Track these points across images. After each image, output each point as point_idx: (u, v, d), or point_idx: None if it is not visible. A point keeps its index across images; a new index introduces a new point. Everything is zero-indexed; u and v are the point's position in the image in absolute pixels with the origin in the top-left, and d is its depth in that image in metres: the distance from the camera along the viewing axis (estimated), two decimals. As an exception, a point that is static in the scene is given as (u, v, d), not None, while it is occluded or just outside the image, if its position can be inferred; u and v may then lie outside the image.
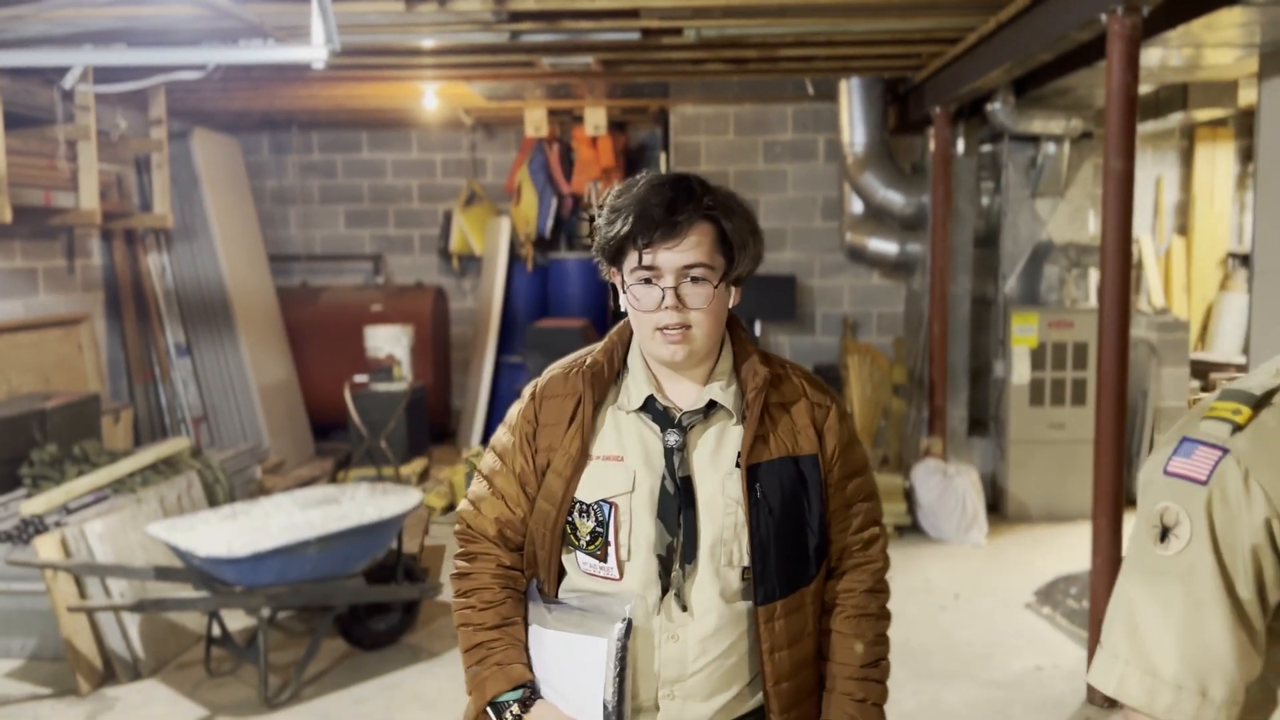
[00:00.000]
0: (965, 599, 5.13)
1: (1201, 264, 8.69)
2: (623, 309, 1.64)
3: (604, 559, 1.61)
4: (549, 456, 1.65)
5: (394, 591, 4.38)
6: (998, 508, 6.56)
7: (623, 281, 1.61)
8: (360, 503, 4.49)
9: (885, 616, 1.72)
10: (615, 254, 1.59)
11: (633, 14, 4.89)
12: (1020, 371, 6.43)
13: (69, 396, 5.47)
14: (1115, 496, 3.92)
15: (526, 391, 1.72)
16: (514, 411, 1.72)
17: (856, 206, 7.32)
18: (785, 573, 1.61)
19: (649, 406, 1.63)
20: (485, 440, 7.74)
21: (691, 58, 6.06)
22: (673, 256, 1.55)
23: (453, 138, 8.92)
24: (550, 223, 8.31)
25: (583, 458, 1.62)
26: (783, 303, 7.50)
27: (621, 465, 1.62)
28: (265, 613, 3.95)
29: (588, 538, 1.61)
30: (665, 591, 1.59)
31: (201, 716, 3.92)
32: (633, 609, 1.58)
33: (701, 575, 1.60)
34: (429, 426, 7.83)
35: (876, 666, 1.69)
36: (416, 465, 7.01)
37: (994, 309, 6.85)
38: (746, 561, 1.60)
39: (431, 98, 7.20)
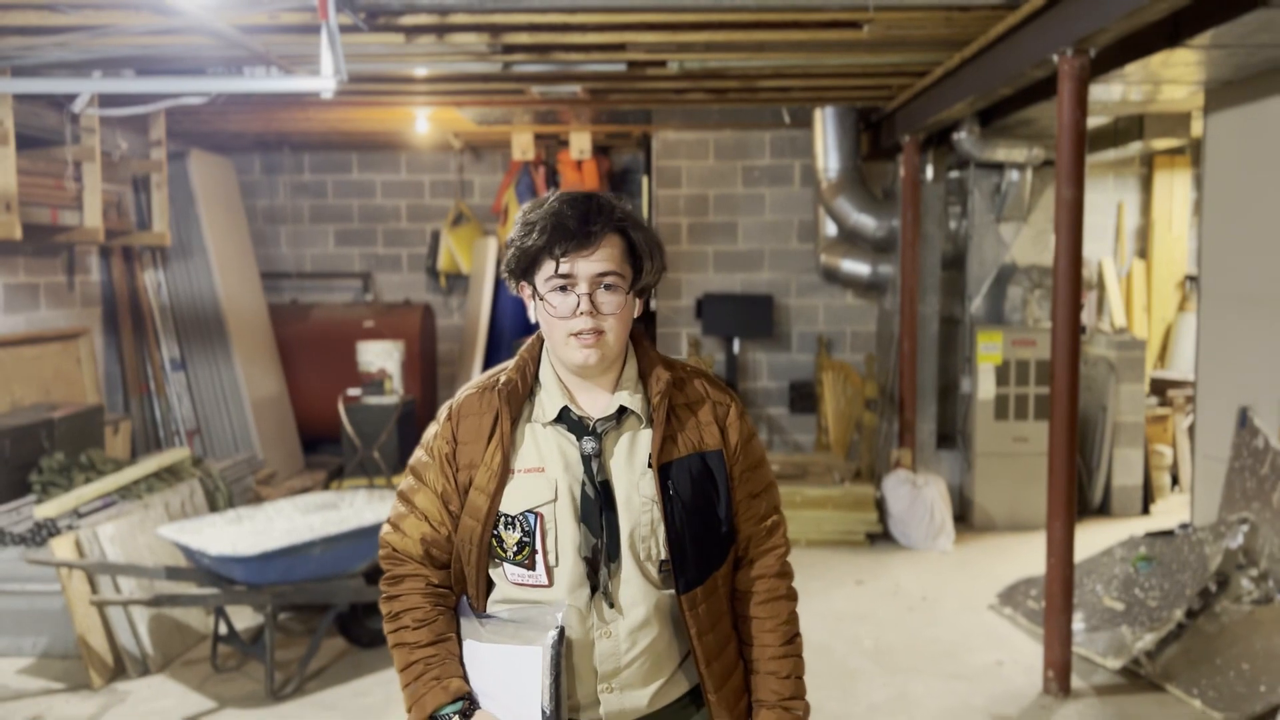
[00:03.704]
0: (932, 601, 5.42)
1: (1161, 286, 9.07)
2: (533, 320, 1.73)
3: (532, 567, 1.67)
4: (470, 474, 1.70)
5: (391, 592, 4.61)
6: (965, 517, 6.86)
7: (534, 293, 1.69)
8: (358, 508, 4.74)
9: (793, 597, 1.82)
10: (530, 265, 1.68)
11: (620, 47, 5.18)
12: (985, 387, 6.75)
13: (74, 407, 5.67)
14: (1068, 502, 4.22)
15: (442, 412, 1.78)
16: (431, 433, 1.78)
17: (831, 229, 7.63)
18: (700, 562, 1.70)
19: (564, 417, 1.70)
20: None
21: (674, 87, 6.36)
22: (587, 265, 1.64)
23: (441, 160, 9.19)
24: (536, 243, 8.58)
25: (505, 472, 1.68)
26: (760, 321, 7.80)
27: (543, 476, 1.68)
28: (271, 609, 4.18)
29: (515, 548, 1.67)
30: (594, 591, 1.67)
31: (211, 708, 4.13)
32: (564, 616, 1.65)
33: (625, 571, 1.68)
34: (418, 440, 8.05)
35: (792, 643, 1.79)
36: (406, 476, 7.23)
37: (961, 328, 7.18)
38: (664, 555, 1.69)
39: (424, 122, 7.47)
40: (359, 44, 4.97)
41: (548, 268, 1.66)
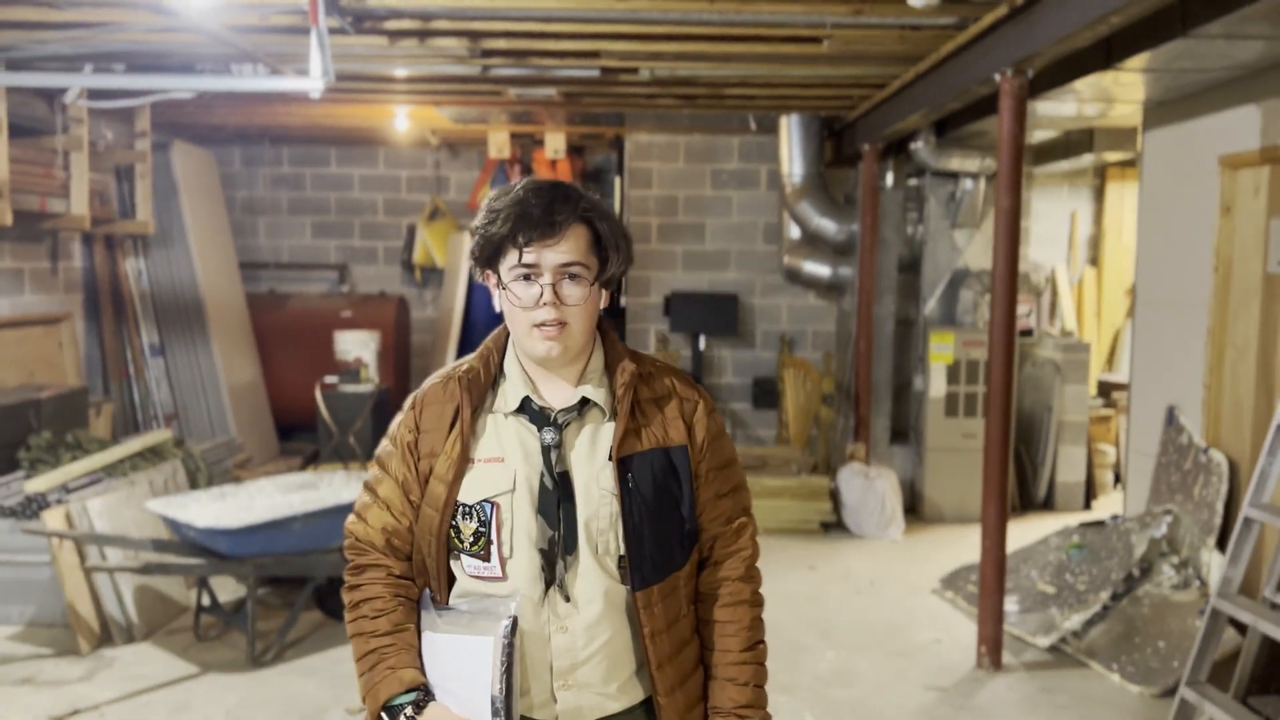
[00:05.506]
0: (879, 585, 5.73)
1: (1111, 292, 9.45)
2: (497, 309, 1.71)
3: (487, 559, 1.65)
4: (431, 463, 1.68)
5: (367, 567, 4.85)
6: (915, 509, 7.19)
7: (498, 282, 1.67)
8: (337, 487, 4.98)
9: (759, 603, 1.78)
10: (494, 254, 1.65)
11: (593, 54, 5.45)
12: (937, 386, 7.08)
13: (60, 388, 5.87)
14: (1001, 489, 4.54)
15: (407, 402, 1.76)
16: (395, 422, 1.76)
17: (794, 232, 7.93)
18: (659, 559, 1.67)
19: (525, 408, 1.68)
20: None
21: (646, 93, 6.64)
22: (552, 255, 1.61)
23: (418, 156, 9.41)
24: (510, 239, 8.83)
25: (464, 462, 1.67)
26: (726, 319, 8.10)
27: (502, 466, 1.66)
28: (253, 580, 4.42)
29: (471, 539, 1.66)
30: (550, 585, 1.65)
31: (194, 672, 4.37)
32: (518, 606, 1.64)
33: (583, 565, 1.66)
34: (391, 428, 8.28)
35: (754, 650, 1.76)
36: (380, 462, 7.45)
37: (915, 328, 7.51)
38: (623, 550, 1.66)
39: (403, 120, 7.70)
40: (344, 45, 5.20)
41: (511, 257, 1.63)
